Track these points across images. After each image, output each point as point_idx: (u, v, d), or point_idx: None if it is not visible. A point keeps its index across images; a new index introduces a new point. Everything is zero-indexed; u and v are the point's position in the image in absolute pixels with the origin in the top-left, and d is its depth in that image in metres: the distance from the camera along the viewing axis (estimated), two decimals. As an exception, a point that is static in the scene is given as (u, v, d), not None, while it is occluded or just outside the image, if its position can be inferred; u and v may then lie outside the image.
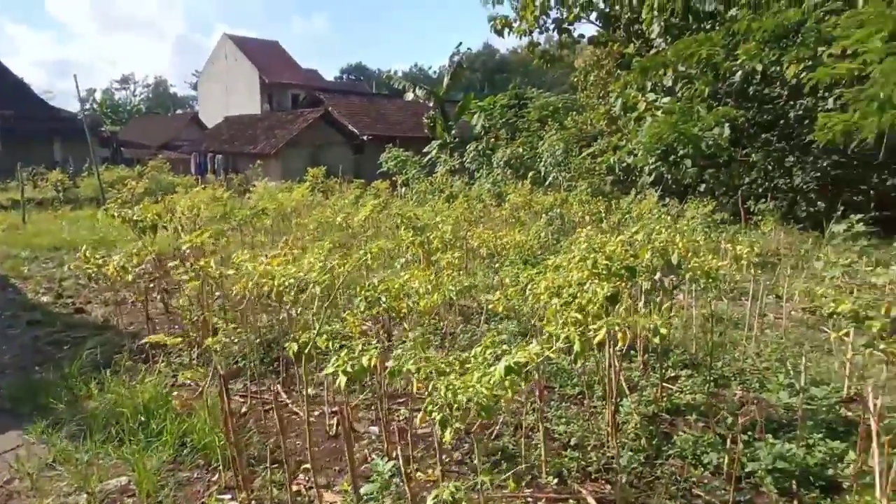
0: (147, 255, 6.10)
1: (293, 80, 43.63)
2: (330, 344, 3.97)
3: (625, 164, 20.89)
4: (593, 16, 26.10)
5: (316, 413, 4.77)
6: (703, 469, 3.89)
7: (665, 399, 4.86)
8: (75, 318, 7.64)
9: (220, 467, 3.76)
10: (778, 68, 16.20)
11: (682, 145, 16.73)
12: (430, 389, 2.55)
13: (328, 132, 29.67)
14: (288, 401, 4.99)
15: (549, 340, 2.78)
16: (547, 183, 20.29)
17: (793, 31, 15.75)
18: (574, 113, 28.66)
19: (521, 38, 26.30)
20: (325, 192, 17.38)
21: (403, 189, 20.18)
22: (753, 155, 18.55)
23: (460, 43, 59.67)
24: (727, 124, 16.76)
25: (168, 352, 5.61)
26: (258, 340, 5.92)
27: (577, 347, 2.61)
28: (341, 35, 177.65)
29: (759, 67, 16.59)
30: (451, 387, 2.39)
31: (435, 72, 78.96)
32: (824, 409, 4.76)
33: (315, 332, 3.65)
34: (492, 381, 2.36)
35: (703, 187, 19.43)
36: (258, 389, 5.11)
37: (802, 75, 15.09)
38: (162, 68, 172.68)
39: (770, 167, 18.85)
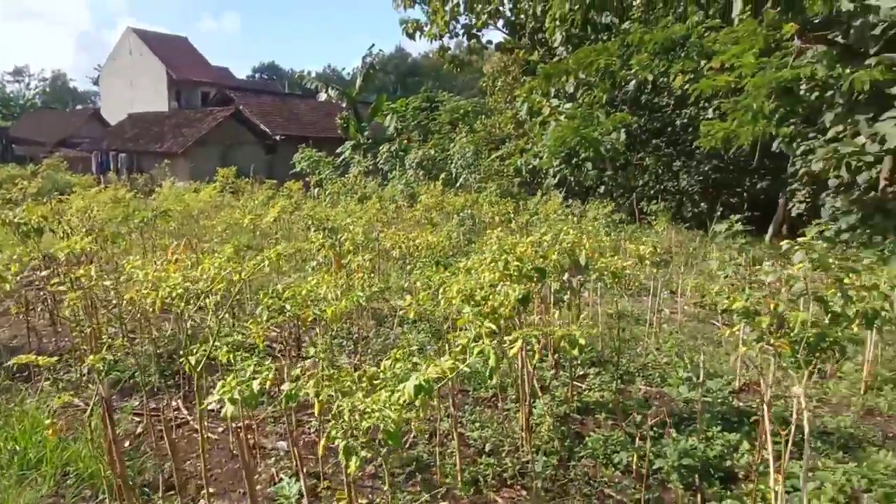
0: (31, 262, 5.42)
1: (203, 78, 41.42)
2: (232, 356, 3.60)
3: (531, 167, 21.26)
4: (500, 23, 26.39)
5: (220, 430, 4.36)
6: (613, 468, 3.82)
7: (575, 398, 4.80)
8: (-50, 331, 6.74)
9: (107, 499, 3.31)
10: (665, 79, 16.90)
11: (584, 149, 17.14)
12: (333, 412, 2.28)
13: (239, 131, 28.36)
14: (189, 417, 4.54)
15: (462, 352, 2.58)
16: (458, 184, 20.27)
17: (679, 44, 16.43)
18: (483, 116, 28.97)
19: (432, 41, 26.20)
20: (236, 193, 16.53)
21: (317, 190, 19.55)
22: (647, 159, 19.30)
23: (373, 45, 58.81)
24: (623, 130, 17.33)
25: (54, 368, 4.99)
26: (159, 351, 5.40)
27: (491, 363, 2.42)
28: (253, 34, 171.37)
29: (650, 77, 17.26)
30: (355, 411, 2.13)
31: (349, 73, 77.62)
32: (719, 401, 4.85)
33: (211, 343, 3.28)
34: (401, 401, 2.12)
35: (602, 189, 20.00)
36: (157, 406, 4.63)
37: (687, 86, 15.81)
38: (65, 63, 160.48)
39: (660, 171, 19.70)
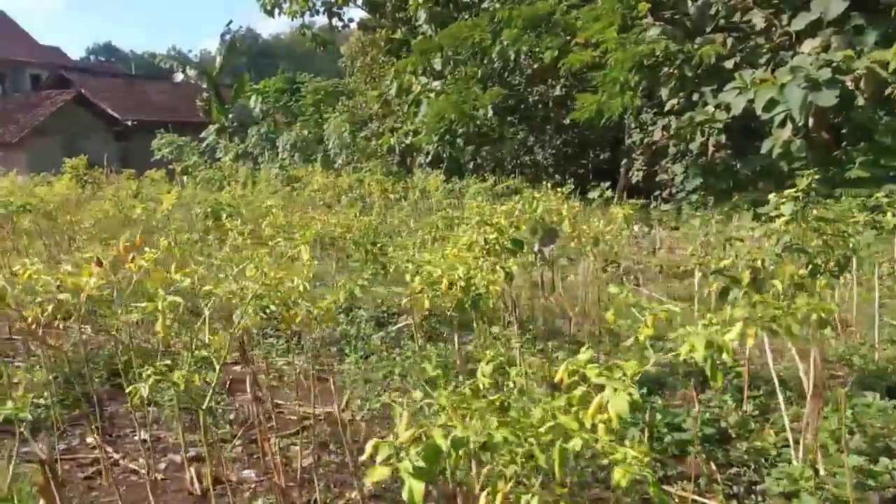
0: None
1: (31, 58, 35.54)
2: (197, 376, 2.75)
3: (403, 145, 20.76)
4: (360, 1, 25.36)
5: (162, 466, 3.42)
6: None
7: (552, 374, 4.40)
8: None
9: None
10: (518, 56, 16.96)
11: (463, 124, 16.82)
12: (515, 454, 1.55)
13: (84, 118, 24.68)
14: (117, 455, 3.52)
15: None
16: (336, 165, 19.25)
17: (545, 21, 16.52)
18: (344, 97, 27.89)
19: (293, 18, 24.64)
20: (95, 185, 14.33)
21: (185, 178, 17.54)
22: (519, 134, 19.46)
23: (230, 21, 54.13)
24: (489, 106, 17.18)
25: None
26: (54, 377, 4.21)
27: (727, 356, 1.76)
28: (82, 12, 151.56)
29: (512, 55, 17.35)
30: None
31: (196, 55, 71.22)
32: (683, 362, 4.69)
33: (186, 359, 2.42)
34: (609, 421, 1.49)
35: (471, 164, 19.60)
36: (68, 446, 3.56)
37: (544, 60, 16.01)
38: None
39: (516, 146, 19.94)
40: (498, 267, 3.45)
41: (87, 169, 18.39)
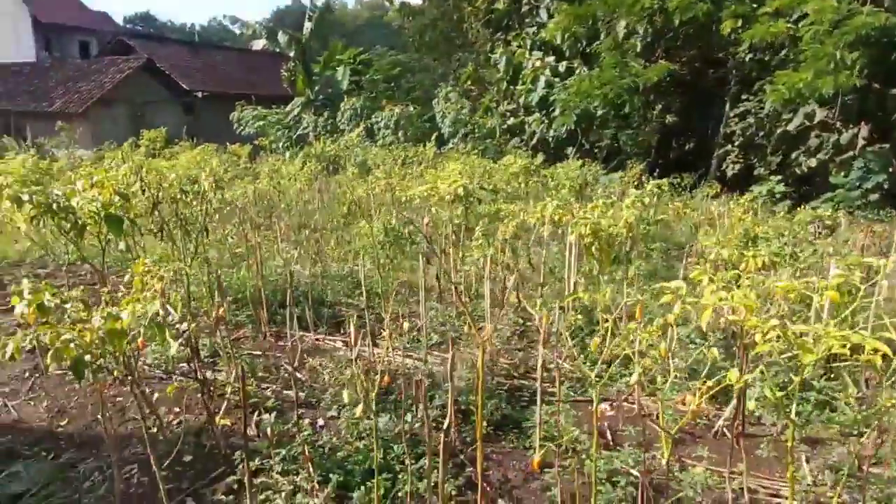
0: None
1: (79, 23, 34.77)
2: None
3: (505, 126, 19.69)
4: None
5: None
6: None
7: None
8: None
9: None
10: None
11: (605, 104, 15.25)
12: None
13: (152, 87, 23.66)
14: None
15: None
16: (449, 146, 17.99)
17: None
18: (409, 74, 27.16)
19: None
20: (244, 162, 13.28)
21: (287, 154, 16.38)
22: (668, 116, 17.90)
23: None
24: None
25: None
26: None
27: None
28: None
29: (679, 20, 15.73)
30: None
31: (242, 26, 70.44)
32: None
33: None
34: None
35: (570, 150, 17.87)
36: None
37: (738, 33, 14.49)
38: None
39: (662, 131, 18.49)
40: None
41: (166, 143, 17.57)
